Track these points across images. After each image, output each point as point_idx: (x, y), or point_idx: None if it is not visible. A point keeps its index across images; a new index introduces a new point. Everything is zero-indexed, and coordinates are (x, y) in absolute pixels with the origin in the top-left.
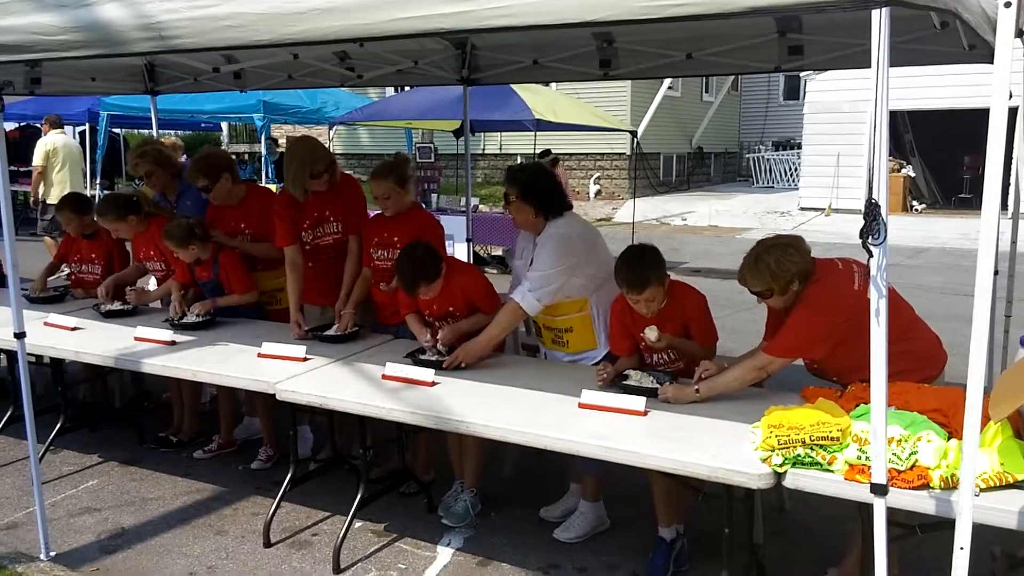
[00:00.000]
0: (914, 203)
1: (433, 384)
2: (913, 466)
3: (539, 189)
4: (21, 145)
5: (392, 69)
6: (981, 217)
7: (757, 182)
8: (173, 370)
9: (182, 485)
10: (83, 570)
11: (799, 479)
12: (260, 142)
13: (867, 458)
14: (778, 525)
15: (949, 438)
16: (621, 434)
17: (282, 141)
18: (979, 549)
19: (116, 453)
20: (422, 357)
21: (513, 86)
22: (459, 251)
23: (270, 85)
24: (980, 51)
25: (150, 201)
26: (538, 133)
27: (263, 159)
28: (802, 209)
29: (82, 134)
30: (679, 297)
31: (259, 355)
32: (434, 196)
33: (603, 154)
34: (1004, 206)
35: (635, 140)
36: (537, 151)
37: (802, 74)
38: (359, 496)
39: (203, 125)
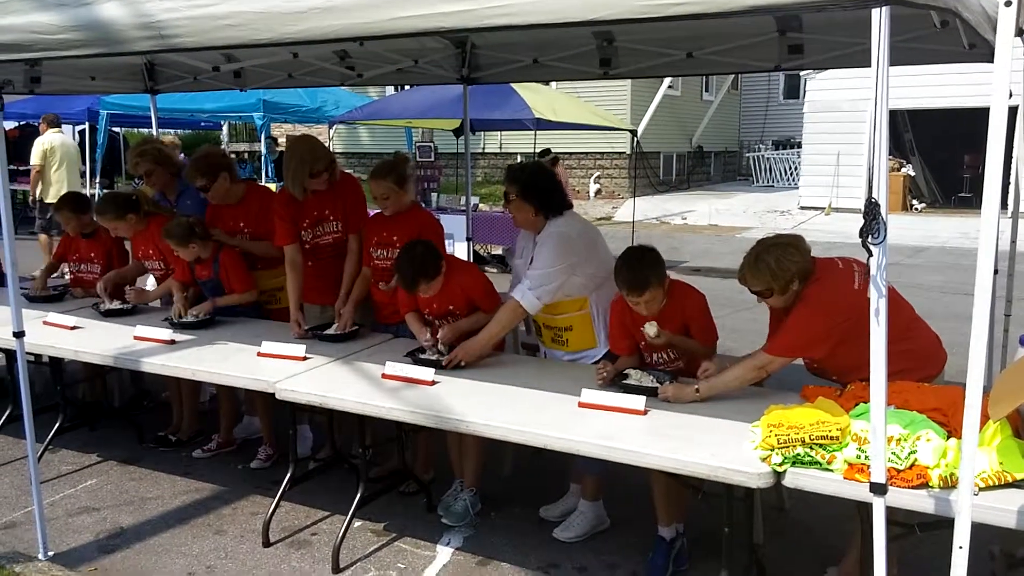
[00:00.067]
0: (914, 202)
1: (433, 383)
2: (912, 465)
3: (539, 188)
4: (20, 144)
5: (392, 68)
6: (981, 216)
7: (757, 181)
8: (172, 369)
9: (181, 484)
10: (81, 570)
11: (798, 478)
12: (260, 141)
13: (866, 457)
14: (778, 524)
15: (948, 437)
16: (621, 433)
17: (282, 140)
18: (978, 548)
19: (115, 452)
20: (422, 356)
21: (513, 85)
22: (459, 250)
23: (270, 84)
24: (980, 50)
25: (149, 200)
26: (538, 132)
27: (263, 158)
28: (802, 208)
29: (82, 133)
30: (679, 296)
31: (258, 354)
32: (434, 195)
33: (603, 153)
34: (1004, 205)
35: (635, 139)
36: (537, 150)
37: (802, 73)
38: (358, 495)
39: (203, 124)
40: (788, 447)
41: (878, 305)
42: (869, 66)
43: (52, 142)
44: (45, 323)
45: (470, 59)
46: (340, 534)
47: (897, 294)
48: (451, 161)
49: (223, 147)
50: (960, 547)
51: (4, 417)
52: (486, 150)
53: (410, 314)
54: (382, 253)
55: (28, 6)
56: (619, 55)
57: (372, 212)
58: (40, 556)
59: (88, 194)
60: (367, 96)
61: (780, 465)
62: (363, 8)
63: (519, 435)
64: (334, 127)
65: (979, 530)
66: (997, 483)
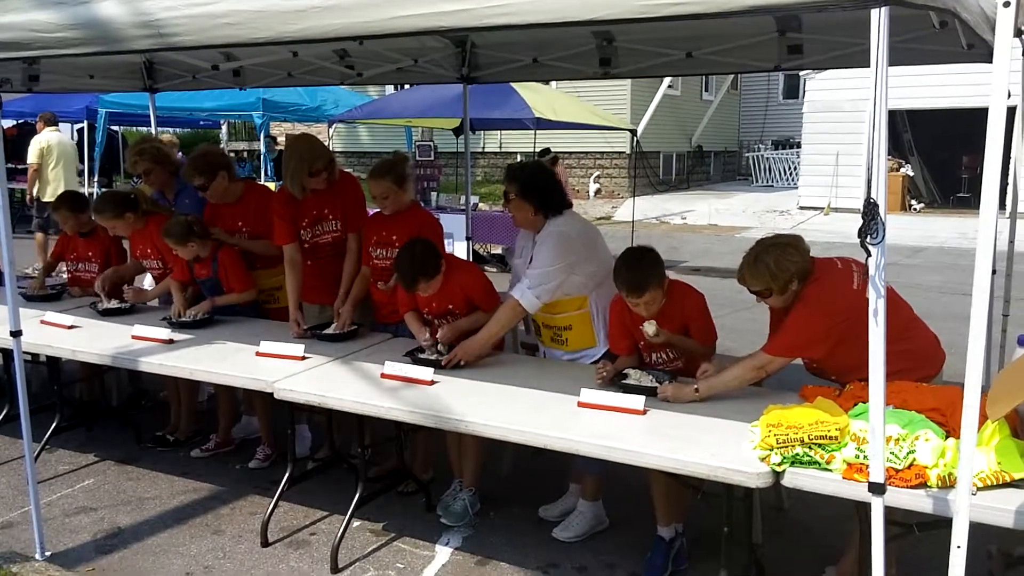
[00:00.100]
0: (913, 202)
1: (432, 383)
2: (911, 465)
3: (538, 187)
4: (19, 142)
5: (392, 67)
6: (979, 216)
7: (756, 181)
8: (171, 369)
9: (179, 484)
10: (79, 570)
11: (797, 478)
12: (259, 140)
13: (865, 457)
14: (777, 524)
15: (947, 437)
16: (620, 433)
17: (281, 139)
18: (976, 548)
19: (112, 452)
20: (421, 356)
21: (513, 84)
22: (459, 249)
23: (269, 83)
24: (979, 50)
25: (148, 199)
26: (538, 132)
27: (262, 157)
28: (801, 208)
29: (80, 131)
30: (678, 296)
31: (257, 354)
32: (434, 194)
33: (603, 153)
34: (1002, 205)
35: (635, 139)
36: (537, 150)
37: (801, 73)
38: (357, 495)
39: (202, 123)
40: (787, 447)
41: (876, 305)
42: (868, 66)
43: (49, 141)
44: (42, 322)
45: (470, 58)
46: (339, 534)
47: (896, 294)
48: (451, 160)
49: (222, 146)
50: (958, 547)
51: (1, 417)
52: (486, 149)
53: (409, 313)
54: (381, 252)
55: (27, 4)
56: (619, 55)
57: (371, 211)
58: (37, 556)
59: (87, 193)
60: (367, 95)
61: (779, 465)
62: (363, 7)
63: (518, 435)
64: (333, 126)
65: (977, 530)
66: (995, 483)
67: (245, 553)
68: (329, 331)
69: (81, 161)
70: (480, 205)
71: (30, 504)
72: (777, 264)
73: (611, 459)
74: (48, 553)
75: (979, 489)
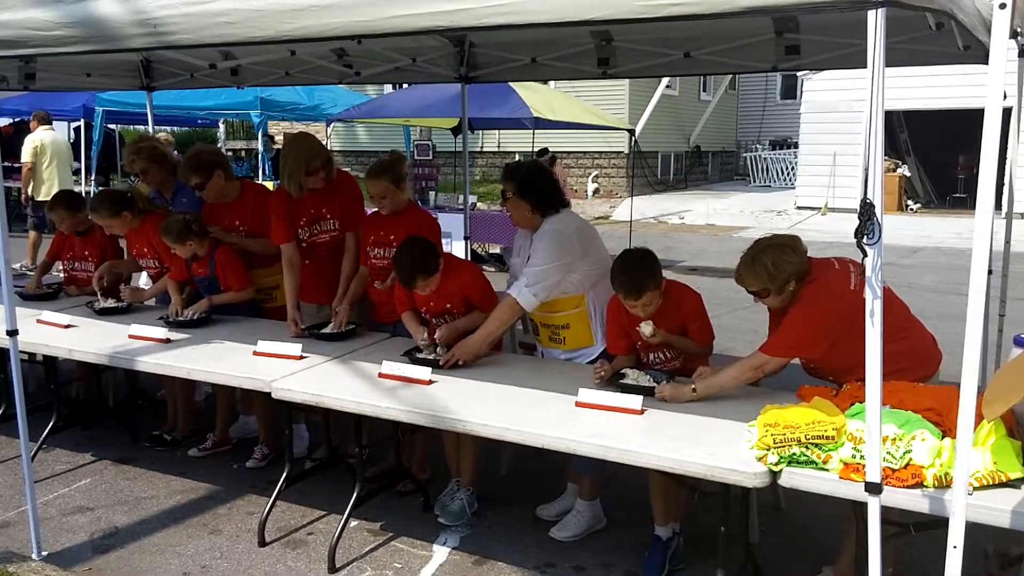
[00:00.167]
0: (909, 203)
1: (430, 383)
2: (907, 465)
3: (536, 186)
4: (15, 140)
5: (390, 66)
6: (975, 217)
7: (754, 181)
8: (168, 368)
9: (176, 484)
10: (76, 570)
11: (794, 478)
12: (257, 139)
13: (862, 457)
14: (774, 524)
15: (943, 437)
16: (618, 433)
17: (279, 138)
18: (972, 547)
19: (109, 452)
20: (419, 355)
21: (511, 84)
22: (457, 249)
23: (267, 82)
24: (975, 52)
25: (145, 198)
26: (536, 131)
27: (260, 156)
28: (798, 208)
29: (77, 130)
30: (675, 297)
31: (255, 353)
32: (432, 194)
33: (601, 152)
34: (998, 206)
35: (633, 139)
36: (535, 149)
37: (799, 74)
38: (355, 495)
39: (199, 121)
40: (784, 447)
41: (873, 305)
42: (865, 67)
43: (43, 139)
44: (39, 321)
45: (468, 58)
46: (336, 534)
47: (892, 294)
48: (449, 160)
49: (220, 145)
50: (955, 546)
51: None
52: (484, 149)
53: (407, 313)
54: (379, 252)
55: (23, 2)
56: (617, 55)
57: (369, 211)
58: (34, 556)
59: (83, 191)
60: (365, 94)
61: (776, 464)
62: (361, 6)
63: (516, 435)
64: (332, 125)
65: (973, 529)
66: (991, 483)
67: (242, 553)
68: (327, 330)
69: (77, 160)
70: (478, 204)
71: (27, 504)
72: (775, 264)
73: (609, 459)
74: (45, 553)
75: (975, 489)
